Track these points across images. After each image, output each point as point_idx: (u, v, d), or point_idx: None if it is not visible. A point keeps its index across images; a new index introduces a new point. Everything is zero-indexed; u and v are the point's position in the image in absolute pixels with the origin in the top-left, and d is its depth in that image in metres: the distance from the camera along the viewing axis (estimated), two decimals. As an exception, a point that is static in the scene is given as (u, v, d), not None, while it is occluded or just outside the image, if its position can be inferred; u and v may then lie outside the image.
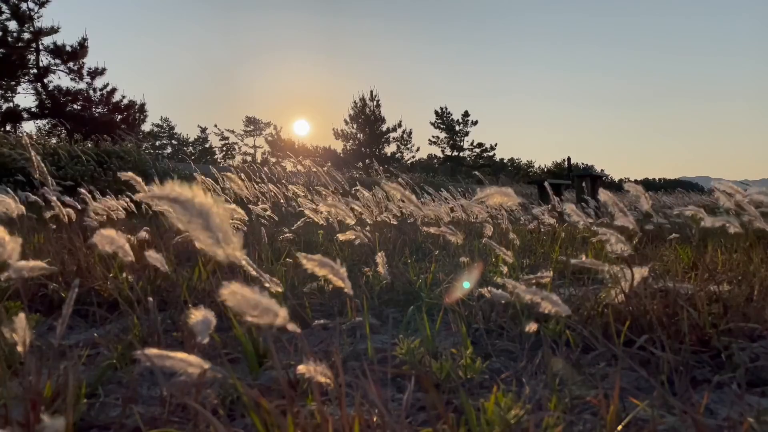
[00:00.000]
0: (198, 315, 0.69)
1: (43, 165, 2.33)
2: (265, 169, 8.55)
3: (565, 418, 0.96)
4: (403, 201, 1.43)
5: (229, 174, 2.51)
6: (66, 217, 2.35)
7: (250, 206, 3.63)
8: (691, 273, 2.23)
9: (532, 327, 0.97)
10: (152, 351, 0.61)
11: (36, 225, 3.19)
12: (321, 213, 2.90)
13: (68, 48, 22.16)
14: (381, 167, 11.92)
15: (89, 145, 8.62)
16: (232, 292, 0.58)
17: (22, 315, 0.76)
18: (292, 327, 0.62)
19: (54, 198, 2.39)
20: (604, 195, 1.48)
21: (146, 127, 27.48)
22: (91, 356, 1.52)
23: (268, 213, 3.60)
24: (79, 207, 2.94)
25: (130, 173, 1.91)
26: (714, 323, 1.43)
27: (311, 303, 1.97)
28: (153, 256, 1.43)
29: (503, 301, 1.45)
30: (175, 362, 0.62)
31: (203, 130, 47.86)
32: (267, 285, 1.14)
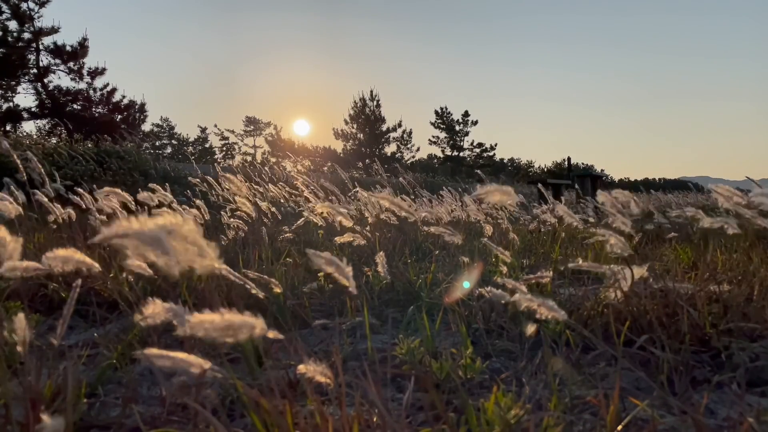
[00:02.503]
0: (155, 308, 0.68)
1: (40, 167, 2.34)
2: (266, 168, 8.55)
3: (565, 418, 0.96)
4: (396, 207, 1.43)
5: (228, 175, 2.51)
6: (62, 217, 2.35)
7: (254, 204, 3.63)
8: (691, 273, 2.23)
9: (531, 329, 0.97)
10: (152, 351, 0.61)
11: (36, 225, 3.19)
12: (321, 213, 2.90)
13: (68, 48, 22.16)
14: (383, 167, 11.89)
15: (89, 145, 8.61)
16: (199, 323, 0.54)
17: (21, 315, 0.76)
18: (273, 335, 0.61)
19: (45, 200, 2.40)
20: (602, 196, 1.48)
21: (146, 127, 27.47)
22: (91, 356, 1.52)
23: (272, 210, 3.61)
24: (83, 206, 2.95)
25: (108, 188, 1.95)
26: (714, 323, 1.43)
27: (311, 303, 1.97)
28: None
29: (503, 301, 1.45)
30: (175, 362, 0.62)
31: (203, 130, 47.83)
32: (269, 285, 1.14)
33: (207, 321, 0.55)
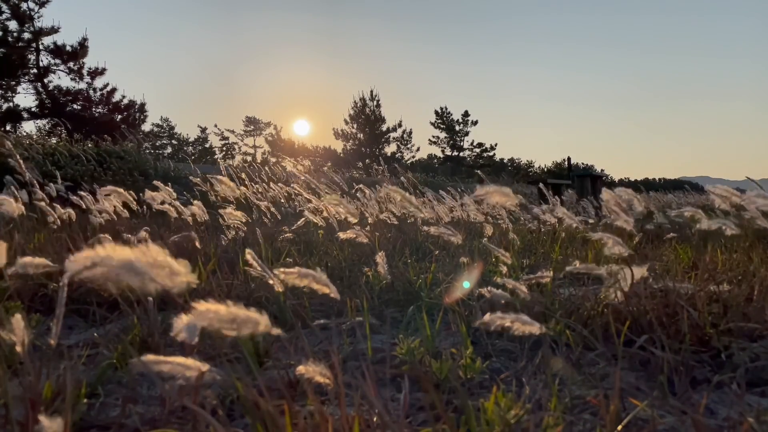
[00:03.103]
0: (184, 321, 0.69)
1: (25, 169, 2.36)
2: (266, 168, 8.55)
3: (565, 418, 0.96)
4: (406, 203, 1.45)
5: (219, 177, 2.51)
6: (61, 218, 2.36)
7: (254, 204, 3.64)
8: (691, 273, 2.23)
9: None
10: (149, 357, 0.61)
11: (36, 225, 3.19)
12: (321, 213, 2.90)
13: (68, 48, 22.15)
14: (384, 167, 11.89)
15: (89, 145, 8.61)
16: (204, 312, 0.55)
17: (18, 315, 0.76)
18: (276, 332, 0.61)
19: (42, 204, 2.41)
20: (607, 194, 1.50)
21: (146, 127, 27.46)
22: (91, 356, 1.52)
23: (272, 210, 3.62)
24: (83, 206, 2.95)
25: (110, 187, 1.98)
26: (714, 323, 1.43)
27: (311, 303, 1.97)
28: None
29: (503, 301, 1.45)
30: (173, 367, 0.61)
31: (203, 130, 47.79)
32: (271, 282, 1.14)
33: (212, 311, 0.55)
